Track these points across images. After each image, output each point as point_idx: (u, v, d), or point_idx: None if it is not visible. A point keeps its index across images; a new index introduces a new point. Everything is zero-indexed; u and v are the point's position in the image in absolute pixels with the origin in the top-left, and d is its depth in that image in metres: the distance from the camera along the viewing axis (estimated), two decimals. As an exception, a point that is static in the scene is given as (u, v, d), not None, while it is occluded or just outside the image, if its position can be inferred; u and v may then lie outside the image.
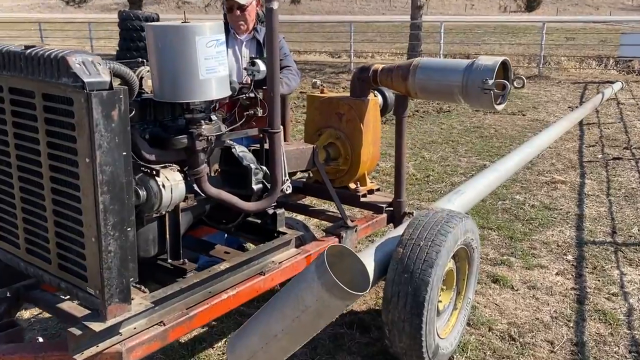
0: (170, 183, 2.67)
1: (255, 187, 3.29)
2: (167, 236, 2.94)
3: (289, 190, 3.50)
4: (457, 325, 3.69)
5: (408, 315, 3.11)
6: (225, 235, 4.31)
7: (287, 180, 3.47)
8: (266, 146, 3.42)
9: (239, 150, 3.33)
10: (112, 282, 2.30)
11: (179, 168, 2.82)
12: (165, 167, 2.76)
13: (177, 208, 2.90)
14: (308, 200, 6.11)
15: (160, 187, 2.63)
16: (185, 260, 2.99)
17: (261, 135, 3.30)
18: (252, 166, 3.27)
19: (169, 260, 2.99)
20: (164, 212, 2.78)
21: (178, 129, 2.92)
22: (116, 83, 2.33)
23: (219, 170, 3.30)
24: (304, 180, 4.61)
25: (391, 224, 4.35)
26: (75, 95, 2.14)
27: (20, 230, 2.63)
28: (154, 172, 2.63)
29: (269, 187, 3.32)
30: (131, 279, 2.42)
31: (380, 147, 4.54)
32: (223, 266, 2.98)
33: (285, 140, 3.80)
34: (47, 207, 2.43)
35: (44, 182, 2.41)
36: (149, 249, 2.91)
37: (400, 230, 3.78)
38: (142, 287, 2.90)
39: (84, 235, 2.29)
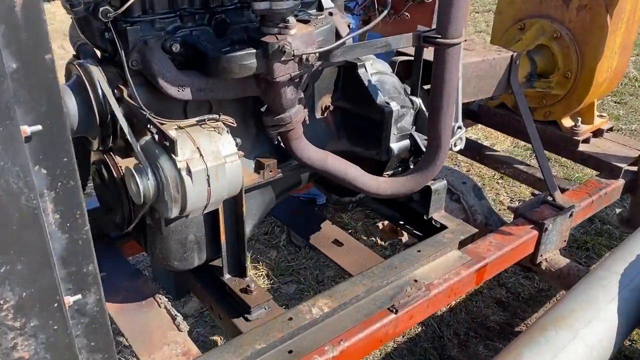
0: (206, 164, 1.21)
1: (395, 146, 1.72)
2: (222, 236, 1.56)
3: (460, 146, 1.88)
4: None
5: None
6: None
7: (461, 129, 1.83)
8: (428, 56, 1.79)
9: (373, 70, 1.72)
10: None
11: (231, 121, 1.32)
12: (203, 122, 1.28)
13: (240, 192, 1.47)
14: (481, 132, 4.29)
15: (183, 173, 1.18)
16: (251, 282, 1.61)
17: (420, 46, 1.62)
18: (394, 106, 1.67)
19: (226, 277, 1.64)
20: (199, 214, 1.36)
21: (241, 36, 1.39)
22: None
23: (332, 107, 1.75)
24: (480, 101, 2.87)
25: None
26: None
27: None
28: (169, 141, 1.17)
29: (424, 146, 1.72)
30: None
31: (630, 56, 2.58)
32: (318, 308, 1.57)
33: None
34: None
35: None
36: (189, 256, 1.57)
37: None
38: (179, 319, 1.63)
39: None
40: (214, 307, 1.66)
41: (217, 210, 1.51)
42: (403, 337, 2.51)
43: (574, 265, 2.19)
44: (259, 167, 1.57)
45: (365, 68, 1.69)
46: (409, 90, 1.89)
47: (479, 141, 4.14)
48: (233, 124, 1.30)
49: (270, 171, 1.58)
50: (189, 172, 1.18)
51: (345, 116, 1.76)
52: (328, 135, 1.76)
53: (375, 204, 2.19)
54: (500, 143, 4.15)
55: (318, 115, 1.73)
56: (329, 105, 1.74)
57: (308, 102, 1.68)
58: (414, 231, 2.07)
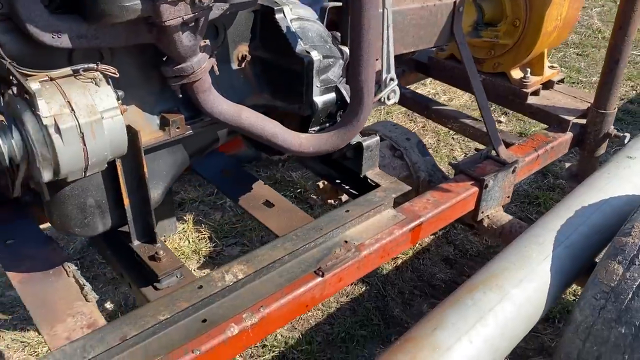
0: (78, 121, 1.07)
1: (318, 99, 1.59)
2: (125, 200, 1.44)
3: (394, 100, 1.76)
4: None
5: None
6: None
7: (393, 80, 1.71)
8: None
9: (293, 16, 1.57)
10: None
11: (113, 72, 1.17)
12: (78, 72, 1.13)
13: (138, 151, 1.34)
14: (439, 87, 4.17)
15: (50, 131, 1.05)
16: (160, 249, 1.50)
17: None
18: (315, 55, 1.54)
19: (135, 243, 1.52)
20: (79, 177, 1.22)
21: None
22: None
23: (249, 57, 1.60)
24: (430, 52, 2.75)
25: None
26: None
27: None
28: (28, 93, 1.03)
29: (349, 99, 1.60)
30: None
31: (581, 4, 2.46)
32: (232, 274, 1.47)
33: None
34: None
35: None
36: (91, 221, 1.44)
37: (608, 182, 1.96)
38: (87, 289, 1.53)
39: None
40: (124, 276, 1.55)
41: (117, 173, 1.38)
42: (346, 297, 2.45)
43: (516, 222, 2.13)
44: (164, 124, 1.44)
45: (284, 13, 1.55)
46: (339, 38, 1.76)
47: (437, 96, 4.04)
48: (115, 74, 1.16)
49: (178, 128, 1.45)
50: (57, 129, 1.04)
51: (265, 67, 1.62)
52: (247, 89, 1.62)
53: (311, 162, 2.08)
54: (458, 97, 4.05)
55: (234, 66, 1.59)
56: (246, 55, 1.59)
57: (221, 52, 1.54)
58: (350, 190, 1.97)
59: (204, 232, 2.80)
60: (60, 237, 2.65)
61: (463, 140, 3.55)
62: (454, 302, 1.51)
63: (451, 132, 3.62)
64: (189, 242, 2.74)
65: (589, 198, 1.88)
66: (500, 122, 3.72)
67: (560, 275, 1.65)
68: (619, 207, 1.85)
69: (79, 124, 1.06)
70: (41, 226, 1.83)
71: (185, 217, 2.89)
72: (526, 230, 1.82)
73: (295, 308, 1.57)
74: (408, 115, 3.83)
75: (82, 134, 1.07)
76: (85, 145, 1.08)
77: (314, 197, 3.02)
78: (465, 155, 3.41)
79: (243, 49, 1.59)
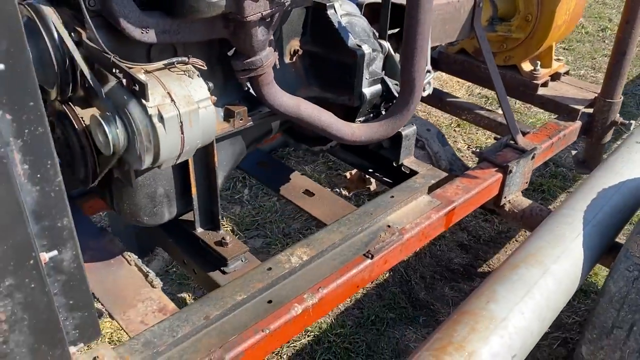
0: (178, 110, 1.14)
1: (367, 91, 1.68)
2: (193, 189, 1.50)
3: (429, 91, 1.87)
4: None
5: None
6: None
7: (430, 72, 1.81)
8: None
9: (342, 12, 1.66)
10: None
11: (201, 64, 1.24)
12: (171, 65, 1.20)
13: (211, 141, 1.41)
14: (436, 82, 4.29)
15: (154, 120, 1.11)
16: (226, 234, 1.57)
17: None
18: (366, 49, 1.62)
19: (199, 230, 1.59)
20: (171, 165, 1.29)
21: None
22: None
23: (300, 51, 1.68)
24: (440, 47, 2.86)
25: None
26: None
27: None
28: (138, 85, 1.09)
29: (396, 91, 1.70)
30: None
31: None
32: (297, 256, 1.55)
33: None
34: None
35: None
36: (159, 210, 1.51)
37: (623, 166, 2.09)
38: (151, 276, 1.58)
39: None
40: (188, 262, 1.61)
41: (186, 162, 1.45)
42: (372, 283, 2.55)
43: (536, 206, 2.26)
44: (228, 115, 1.51)
45: (335, 9, 1.63)
46: (377, 34, 1.85)
47: (436, 90, 4.16)
48: (203, 66, 1.23)
49: (241, 119, 1.52)
50: (160, 118, 1.11)
51: (315, 61, 1.70)
52: (298, 82, 1.70)
53: (343, 153, 2.16)
54: (455, 92, 4.18)
55: (287, 60, 1.67)
56: (298, 50, 1.67)
57: (276, 46, 1.62)
58: (384, 178, 2.07)
59: (226, 225, 2.86)
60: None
61: (465, 133, 3.68)
62: (499, 278, 1.62)
63: (453, 124, 3.76)
64: (212, 235, 2.79)
65: (608, 181, 2.02)
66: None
67: (591, 252, 1.78)
68: (635, 188, 2.00)
69: (179, 113, 1.13)
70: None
71: (204, 211, 2.94)
72: (553, 212, 1.95)
73: (348, 288, 1.66)
74: (409, 109, 3.94)
75: (181, 123, 1.14)
76: (183, 133, 1.15)
77: (328, 189, 3.10)
78: (468, 147, 3.55)
79: (295, 44, 1.67)
